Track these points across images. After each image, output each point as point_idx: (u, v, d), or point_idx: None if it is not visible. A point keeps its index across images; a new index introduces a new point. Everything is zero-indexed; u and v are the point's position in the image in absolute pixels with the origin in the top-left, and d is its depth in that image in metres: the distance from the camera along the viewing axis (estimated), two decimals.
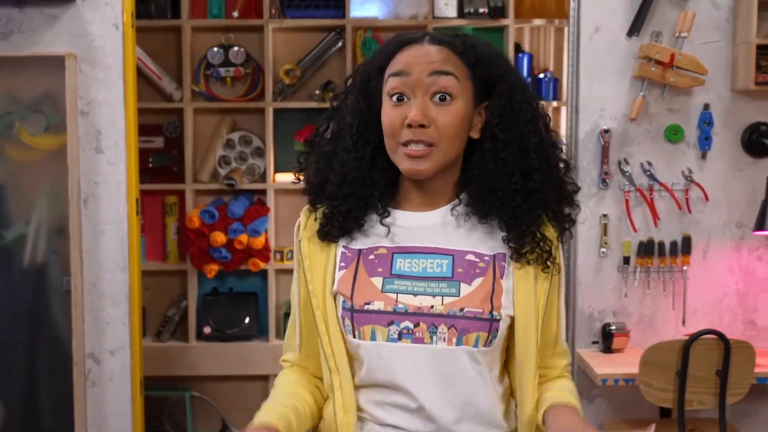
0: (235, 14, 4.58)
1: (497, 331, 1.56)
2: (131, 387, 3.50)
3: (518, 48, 4.70)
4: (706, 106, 3.50)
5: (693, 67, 3.42)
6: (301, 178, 1.68)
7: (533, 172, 1.57)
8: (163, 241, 4.72)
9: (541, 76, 4.68)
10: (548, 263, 1.60)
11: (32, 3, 3.33)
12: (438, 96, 1.54)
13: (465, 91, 1.56)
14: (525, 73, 4.65)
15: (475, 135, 1.60)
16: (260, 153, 4.63)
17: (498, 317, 1.56)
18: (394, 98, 1.55)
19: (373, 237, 1.62)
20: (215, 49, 4.56)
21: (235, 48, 4.56)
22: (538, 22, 4.66)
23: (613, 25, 3.49)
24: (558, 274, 1.62)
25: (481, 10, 4.58)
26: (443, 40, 1.58)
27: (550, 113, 4.75)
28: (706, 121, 3.50)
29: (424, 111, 1.53)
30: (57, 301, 3.41)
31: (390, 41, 1.62)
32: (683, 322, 3.56)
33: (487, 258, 1.59)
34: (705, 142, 3.51)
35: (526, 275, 1.58)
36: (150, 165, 4.61)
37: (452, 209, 1.61)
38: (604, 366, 3.34)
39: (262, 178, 4.65)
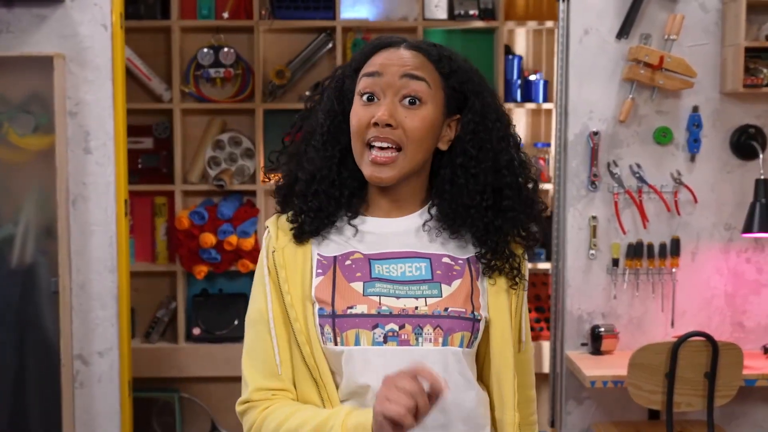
0: (225, 15, 4.57)
1: (478, 332, 1.57)
2: (119, 388, 3.49)
3: (508, 50, 4.71)
4: (695, 109, 3.51)
5: (682, 70, 3.43)
6: (272, 177, 1.68)
7: (505, 189, 1.58)
8: (153, 242, 4.70)
9: (532, 78, 4.69)
10: (516, 279, 1.61)
11: (21, 3, 3.32)
12: (408, 99, 1.54)
13: (435, 99, 1.56)
14: (515, 75, 4.66)
15: (443, 146, 1.60)
16: (250, 154, 4.62)
17: (479, 317, 1.57)
18: (365, 98, 1.56)
19: (346, 242, 1.60)
20: (205, 49, 4.56)
21: (225, 49, 4.55)
22: (528, 24, 4.67)
23: (602, 27, 3.50)
24: (524, 290, 1.65)
25: (471, 12, 4.58)
26: (420, 47, 1.59)
27: (541, 115, 4.77)
28: (694, 124, 3.51)
29: (391, 111, 1.53)
30: (45, 302, 3.40)
31: (368, 44, 1.63)
32: (672, 324, 3.56)
33: (461, 261, 1.60)
34: (694, 144, 3.52)
35: (497, 284, 1.60)
36: (139, 166, 4.60)
37: (423, 224, 1.61)
38: (592, 368, 3.35)
39: (252, 179, 4.64)
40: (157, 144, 4.65)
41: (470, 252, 1.62)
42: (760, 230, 3.40)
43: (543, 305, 4.70)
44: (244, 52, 4.61)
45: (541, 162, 4.67)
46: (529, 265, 4.84)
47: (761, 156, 3.46)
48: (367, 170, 1.55)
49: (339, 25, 4.55)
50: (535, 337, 4.66)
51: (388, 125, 1.53)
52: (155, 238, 4.69)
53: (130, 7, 4.35)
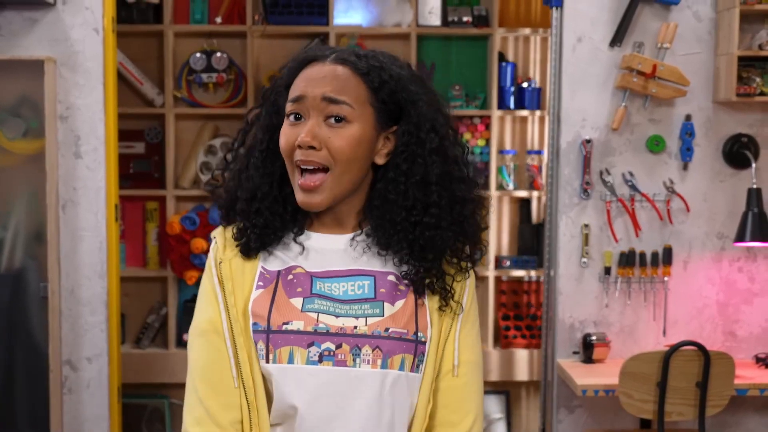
0: (218, 20, 4.55)
1: (423, 355, 1.50)
2: (109, 394, 3.47)
3: (502, 57, 4.70)
4: (688, 117, 3.51)
5: (675, 78, 3.43)
6: (216, 194, 1.62)
7: (431, 207, 1.50)
8: (144, 248, 4.68)
9: (525, 85, 4.68)
10: (447, 301, 1.53)
11: (11, 6, 3.30)
12: (332, 118, 1.48)
13: (363, 116, 1.49)
14: (508, 82, 4.66)
15: (380, 161, 1.53)
16: None
17: (423, 339, 1.50)
18: (291, 117, 1.51)
19: (290, 257, 1.55)
20: (198, 54, 4.54)
21: (218, 54, 4.54)
22: (522, 31, 4.67)
23: (595, 35, 3.49)
24: (460, 313, 1.55)
25: (465, 19, 4.57)
26: (347, 60, 1.51)
27: (534, 123, 4.76)
28: (687, 132, 3.50)
29: (314, 133, 1.47)
30: (34, 307, 3.38)
31: (296, 56, 1.56)
32: (664, 333, 3.56)
33: (406, 281, 1.53)
34: (686, 153, 3.51)
35: (429, 304, 1.54)
36: (131, 170, 4.58)
37: (352, 238, 1.55)
38: (584, 376, 3.34)
39: None
40: (149, 149, 4.63)
41: None
42: (753, 239, 3.39)
43: (534, 313, 4.69)
44: (237, 57, 4.60)
45: (534, 169, 4.67)
46: (521, 273, 4.85)
47: (754, 165, 3.46)
48: (299, 197, 1.50)
49: (332, 31, 4.54)
50: (527, 345, 4.65)
51: (312, 147, 1.47)
52: (146, 243, 4.67)
53: (123, 12, 4.34)
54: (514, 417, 4.76)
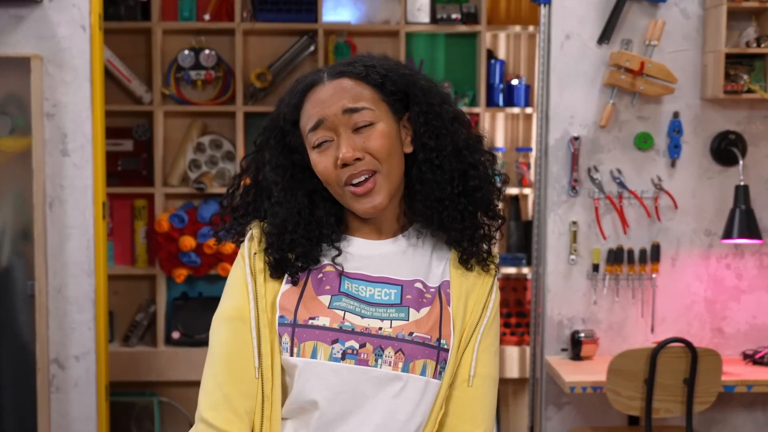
0: (207, 17, 4.54)
1: (445, 362, 1.51)
2: (96, 393, 3.46)
3: (491, 54, 4.70)
4: (676, 114, 3.52)
5: (663, 76, 3.43)
6: (227, 219, 1.62)
7: (470, 170, 1.55)
8: (132, 245, 4.67)
9: (514, 82, 4.68)
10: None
11: None
12: (358, 126, 1.50)
13: (381, 113, 1.52)
14: (497, 79, 4.66)
15: (408, 149, 1.56)
16: (231, 157, 4.59)
17: (446, 346, 1.52)
18: (317, 147, 1.52)
19: (325, 257, 1.57)
20: (186, 51, 4.53)
21: (206, 51, 4.53)
22: (511, 28, 4.67)
23: (583, 32, 3.49)
24: (480, 316, 1.56)
25: (453, 16, 4.57)
26: (343, 71, 1.53)
27: (522, 120, 4.77)
28: (675, 129, 3.51)
29: (353, 146, 1.49)
30: (21, 305, 3.37)
31: (291, 91, 1.56)
32: (652, 330, 3.56)
33: (432, 290, 1.55)
34: (674, 150, 3.52)
35: (458, 307, 1.55)
36: (119, 168, 4.57)
37: (405, 236, 1.58)
38: (572, 373, 3.34)
39: None
40: (137, 146, 4.62)
41: (445, 273, 1.58)
42: (740, 236, 3.40)
43: (523, 310, 4.70)
44: (226, 54, 4.58)
45: (523, 166, 4.67)
46: (512, 270, 4.86)
47: (741, 162, 3.47)
48: (358, 206, 1.51)
49: (321, 28, 4.53)
50: (517, 342, 4.66)
51: (357, 159, 1.49)
52: (135, 241, 4.66)
53: (111, 8, 4.32)
54: (502, 414, 4.76)
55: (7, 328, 3.38)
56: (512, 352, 4.63)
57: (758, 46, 3.39)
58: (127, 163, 4.59)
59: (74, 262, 3.41)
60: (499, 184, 1.60)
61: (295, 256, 1.54)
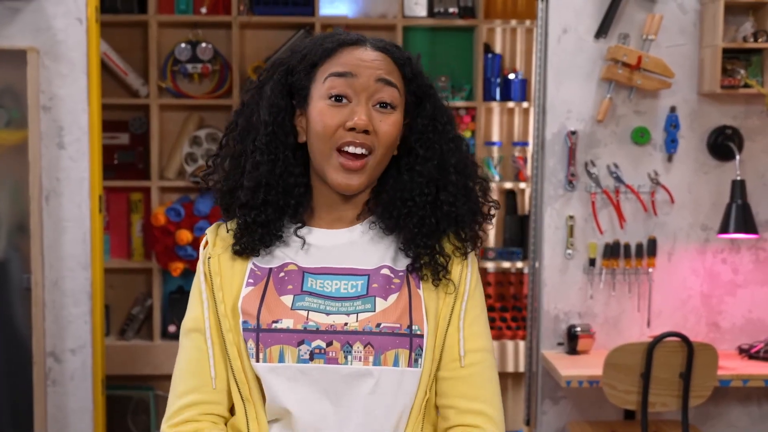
0: (203, 10, 4.54)
1: (420, 348, 1.46)
2: (93, 386, 3.45)
3: (488, 48, 4.70)
4: (673, 109, 3.52)
5: (660, 70, 3.43)
6: (210, 183, 1.58)
7: (449, 186, 1.51)
8: (128, 239, 4.67)
9: (511, 76, 4.68)
10: (441, 277, 1.50)
11: None
12: (380, 104, 1.48)
13: (401, 104, 1.51)
14: (494, 73, 4.66)
15: (394, 151, 1.53)
16: None
17: (419, 332, 1.46)
18: (333, 99, 1.47)
19: (287, 253, 1.52)
20: (183, 45, 4.52)
21: (203, 44, 4.52)
22: (508, 23, 4.66)
23: (580, 27, 3.49)
24: (457, 293, 1.51)
25: (451, 10, 4.57)
26: (386, 48, 1.51)
27: (519, 114, 4.77)
28: (672, 124, 3.51)
29: (370, 117, 1.46)
30: (17, 298, 3.36)
31: (324, 39, 1.51)
32: (648, 324, 3.57)
33: (401, 273, 1.51)
34: (671, 144, 3.52)
35: (430, 289, 1.51)
36: (115, 161, 4.56)
37: (362, 225, 1.54)
38: (568, 367, 3.34)
39: None
40: (134, 139, 4.61)
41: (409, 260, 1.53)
42: (736, 231, 3.41)
43: (519, 304, 4.70)
44: (222, 47, 4.58)
45: (520, 161, 4.67)
46: (507, 264, 4.85)
47: (738, 157, 3.47)
48: (336, 177, 1.47)
49: (318, 21, 4.52)
50: (513, 336, 4.66)
51: (366, 131, 1.46)
52: (131, 235, 4.65)
53: (107, 1, 4.32)
54: None
55: (3, 322, 3.37)
56: (508, 346, 4.64)
57: (755, 40, 3.39)
58: (124, 157, 4.59)
59: (70, 255, 3.40)
60: (489, 211, 1.57)
61: (257, 222, 1.49)
